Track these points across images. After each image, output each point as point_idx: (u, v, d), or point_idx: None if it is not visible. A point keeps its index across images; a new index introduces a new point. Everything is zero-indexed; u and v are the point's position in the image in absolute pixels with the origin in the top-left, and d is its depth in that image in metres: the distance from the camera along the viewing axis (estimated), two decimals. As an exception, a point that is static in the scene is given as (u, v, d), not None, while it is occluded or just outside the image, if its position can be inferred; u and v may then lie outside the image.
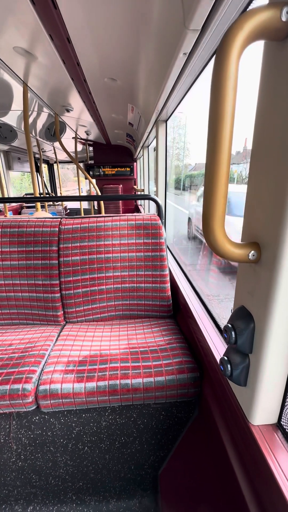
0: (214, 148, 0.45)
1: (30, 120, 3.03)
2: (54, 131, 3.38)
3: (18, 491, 1.17)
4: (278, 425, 0.62)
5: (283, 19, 0.40)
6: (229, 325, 0.62)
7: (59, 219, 1.46)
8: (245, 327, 0.59)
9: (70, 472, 1.16)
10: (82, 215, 4.78)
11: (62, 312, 1.46)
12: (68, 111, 2.75)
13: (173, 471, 1.11)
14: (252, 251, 0.54)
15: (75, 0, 0.96)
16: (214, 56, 0.42)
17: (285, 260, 0.49)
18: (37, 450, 1.10)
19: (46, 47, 1.38)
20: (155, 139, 2.18)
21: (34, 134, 3.74)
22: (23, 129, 3.40)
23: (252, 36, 0.41)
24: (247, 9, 0.69)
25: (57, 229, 1.42)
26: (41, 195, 5.26)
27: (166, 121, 2.01)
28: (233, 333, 0.61)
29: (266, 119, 0.49)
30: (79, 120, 3.25)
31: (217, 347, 0.93)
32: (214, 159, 0.45)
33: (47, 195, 6.69)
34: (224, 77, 0.41)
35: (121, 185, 5.69)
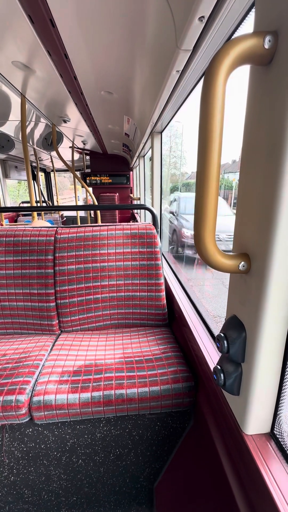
0: (203, 164, 0.47)
1: (28, 130, 3.07)
2: (51, 140, 3.43)
3: (10, 507, 1.14)
4: (271, 434, 0.63)
5: (266, 46, 0.42)
6: (222, 334, 0.63)
7: (55, 228, 1.47)
8: (237, 336, 0.60)
9: (64, 487, 1.13)
10: (79, 223, 4.80)
11: (57, 321, 1.45)
12: (65, 121, 2.80)
13: (169, 484, 1.09)
14: (242, 262, 0.55)
15: (72, 19, 1.00)
16: (202, 83, 0.45)
17: (273, 270, 0.50)
18: (30, 464, 1.08)
19: (44, 62, 1.42)
20: (150, 149, 2.23)
21: (31, 143, 3.78)
22: (20, 138, 3.44)
23: (238, 61, 0.43)
24: (234, 34, 0.73)
25: (53, 238, 1.43)
26: (38, 203, 5.27)
27: (161, 132, 2.06)
28: (225, 342, 0.62)
29: (252, 135, 0.51)
30: (76, 130, 3.30)
31: (212, 356, 0.93)
32: (204, 176, 0.47)
33: (44, 203, 6.71)
34: (212, 99, 0.43)
35: (117, 194, 5.74)
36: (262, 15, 0.45)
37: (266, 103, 0.46)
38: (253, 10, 0.64)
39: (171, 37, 0.83)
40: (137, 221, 5.19)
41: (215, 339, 0.67)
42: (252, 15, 0.66)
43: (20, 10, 0.97)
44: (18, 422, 0.98)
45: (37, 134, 3.40)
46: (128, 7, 0.88)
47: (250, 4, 0.63)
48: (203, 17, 0.67)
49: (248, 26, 0.70)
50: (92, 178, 5.57)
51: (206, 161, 0.46)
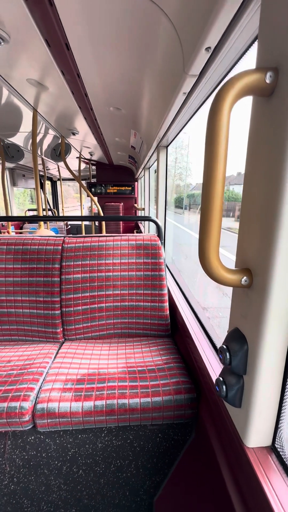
0: (209, 184, 0.50)
1: (37, 140, 3.17)
2: (59, 151, 3.53)
3: None
4: (272, 448, 0.63)
5: (267, 81, 0.46)
6: (224, 346, 0.65)
7: (63, 238, 1.51)
8: (239, 348, 0.62)
9: (63, 498, 1.12)
10: (83, 231, 4.86)
11: (61, 329, 1.47)
12: (73, 134, 2.89)
13: (169, 498, 1.08)
14: (245, 277, 0.58)
15: (86, 43, 1.06)
16: (208, 111, 0.49)
17: (274, 285, 0.53)
18: (31, 473, 1.08)
19: (57, 80, 1.50)
20: (156, 162, 2.29)
21: (40, 153, 3.90)
22: (29, 148, 3.55)
23: (242, 93, 0.48)
24: (238, 63, 0.78)
25: (60, 247, 1.47)
26: (44, 211, 5.36)
27: (167, 146, 2.13)
28: (227, 354, 0.64)
29: (255, 158, 0.55)
30: (83, 142, 3.41)
31: (214, 367, 0.94)
32: (209, 194, 0.51)
33: (49, 211, 6.82)
34: (217, 128, 0.47)
35: (122, 203, 5.83)
36: (264, 52, 0.49)
37: (267, 131, 0.50)
38: (256, 43, 0.69)
39: (179, 63, 0.89)
40: (141, 231, 5.25)
41: (218, 351, 0.68)
42: (254, 47, 0.72)
43: (38, 34, 1.04)
44: (21, 429, 0.99)
45: (45, 144, 3.51)
46: (139, 33, 0.94)
47: (253, 38, 0.68)
48: (209, 47, 0.72)
49: (251, 55, 0.75)
50: (98, 187, 5.68)
51: (211, 181, 0.50)
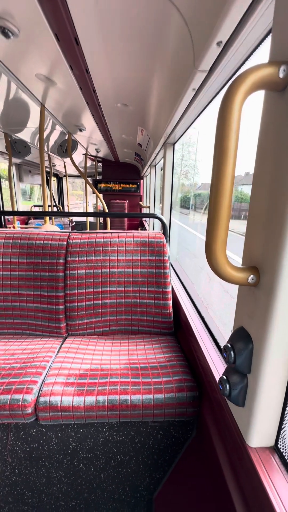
0: (217, 180, 0.50)
1: (44, 136, 3.18)
2: (66, 148, 3.54)
3: (9, 507, 1.15)
4: (275, 448, 0.63)
5: (281, 76, 0.46)
6: (229, 345, 0.65)
7: (68, 233, 1.52)
8: (243, 347, 0.61)
9: (64, 490, 1.14)
10: (88, 227, 4.88)
11: (65, 324, 1.48)
12: (80, 130, 2.89)
13: (168, 495, 1.08)
14: (252, 275, 0.57)
15: (96, 38, 1.06)
16: (219, 105, 0.48)
17: (282, 284, 0.52)
18: (32, 465, 1.09)
19: (65, 76, 1.49)
20: (162, 159, 2.28)
21: (46, 150, 3.91)
22: (35, 144, 3.56)
23: (254, 87, 0.47)
24: (250, 57, 0.77)
25: (65, 242, 1.47)
26: (49, 207, 5.39)
27: (173, 144, 2.11)
28: (232, 353, 0.63)
29: (265, 154, 0.54)
30: (90, 139, 3.40)
31: (217, 366, 0.94)
32: (217, 191, 0.50)
33: (55, 207, 6.85)
34: (228, 121, 0.46)
35: (127, 201, 5.83)
36: (278, 46, 0.48)
37: (279, 126, 0.49)
38: (269, 37, 0.67)
39: (189, 58, 0.88)
40: (145, 229, 5.23)
41: (222, 349, 0.68)
42: (266, 42, 0.70)
43: (48, 29, 1.03)
44: (24, 421, 1.00)
45: (52, 140, 3.52)
46: (149, 28, 0.93)
47: (265, 32, 0.67)
48: (221, 42, 0.71)
49: (263, 50, 0.74)
50: (103, 184, 5.69)
51: (220, 178, 0.49)
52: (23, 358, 1.22)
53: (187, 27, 0.80)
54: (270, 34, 0.60)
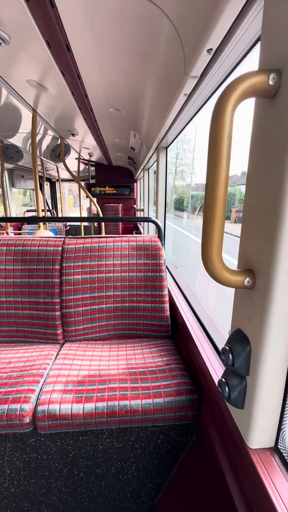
0: (212, 184, 0.50)
1: (36, 141, 3.17)
2: (59, 152, 3.54)
3: None
4: (275, 449, 0.63)
5: (271, 83, 0.47)
6: (227, 347, 0.65)
7: (63, 239, 1.51)
8: (241, 349, 0.62)
9: (64, 500, 1.12)
10: (82, 232, 4.86)
11: (61, 330, 1.47)
12: (73, 135, 2.90)
13: (170, 501, 1.08)
14: (247, 278, 0.58)
15: (87, 44, 1.06)
16: (211, 113, 0.49)
17: (277, 287, 0.53)
18: (31, 475, 1.07)
19: (57, 81, 1.50)
20: (155, 163, 2.30)
21: (39, 154, 3.89)
22: (28, 149, 3.54)
23: (245, 95, 0.48)
24: (239, 64, 0.79)
25: (60, 248, 1.46)
26: (43, 212, 5.36)
27: (166, 147, 2.13)
28: (230, 355, 0.64)
29: (257, 159, 0.55)
30: (83, 143, 3.41)
31: (215, 368, 0.94)
32: (212, 195, 0.51)
33: (48, 212, 6.81)
34: (220, 129, 0.47)
35: (121, 204, 5.84)
36: (267, 54, 0.49)
37: (270, 132, 0.50)
38: (258, 45, 0.69)
39: (180, 64, 0.89)
40: (140, 232, 5.24)
41: (220, 352, 0.68)
42: (255, 49, 0.72)
43: (39, 36, 1.04)
44: (22, 431, 0.99)
45: (44, 145, 3.51)
46: (140, 34, 0.94)
47: (254, 40, 0.68)
48: (211, 49, 0.72)
49: (253, 57, 0.75)
50: (97, 188, 5.69)
51: (214, 183, 0.50)
52: (19, 367, 1.20)
53: (177, 34, 0.82)
54: (259, 41, 0.61)
